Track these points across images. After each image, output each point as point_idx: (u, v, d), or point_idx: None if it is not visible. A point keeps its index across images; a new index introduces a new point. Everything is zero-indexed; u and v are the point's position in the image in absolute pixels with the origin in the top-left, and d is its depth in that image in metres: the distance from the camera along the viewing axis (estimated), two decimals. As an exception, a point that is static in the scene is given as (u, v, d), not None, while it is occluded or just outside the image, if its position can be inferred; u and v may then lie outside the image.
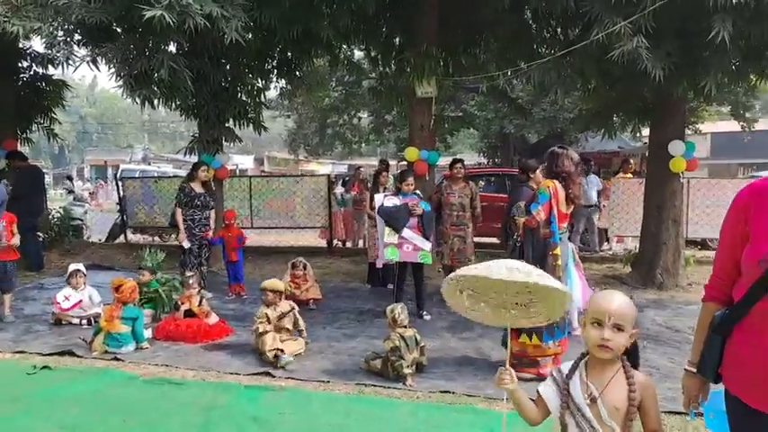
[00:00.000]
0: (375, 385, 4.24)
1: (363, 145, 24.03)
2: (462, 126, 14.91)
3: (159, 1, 5.56)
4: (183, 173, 14.96)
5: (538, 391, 1.90)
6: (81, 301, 5.93)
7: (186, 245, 6.93)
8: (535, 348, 4.32)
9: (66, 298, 5.91)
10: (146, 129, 54.16)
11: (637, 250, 8.38)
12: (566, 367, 1.88)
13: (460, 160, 7.31)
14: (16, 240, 5.82)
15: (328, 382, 4.33)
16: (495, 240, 8.30)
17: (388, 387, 4.19)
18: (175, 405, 3.93)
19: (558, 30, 7.85)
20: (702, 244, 10.57)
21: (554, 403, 1.84)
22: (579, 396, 1.78)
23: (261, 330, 4.79)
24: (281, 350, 4.68)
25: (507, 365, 1.93)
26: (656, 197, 7.74)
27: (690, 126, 18.97)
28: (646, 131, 9.48)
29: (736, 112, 15.19)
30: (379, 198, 6.14)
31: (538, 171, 6.00)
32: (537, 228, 4.30)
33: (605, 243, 10.74)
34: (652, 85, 6.18)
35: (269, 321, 4.85)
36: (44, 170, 17.76)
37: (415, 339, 4.43)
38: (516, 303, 2.04)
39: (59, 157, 49.03)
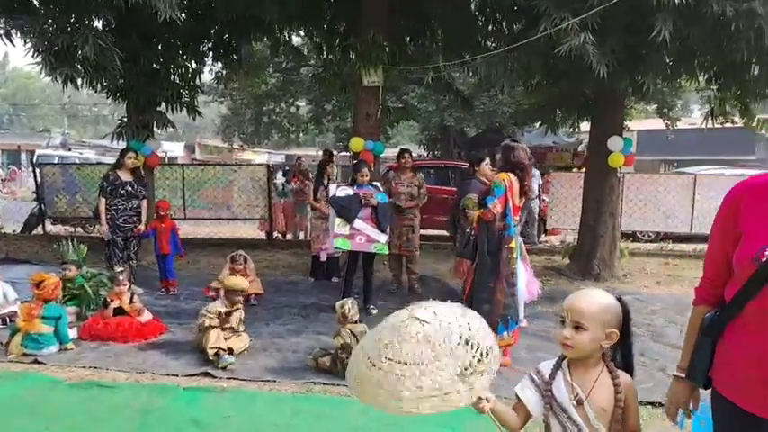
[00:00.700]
0: (324, 383, 4.08)
1: (302, 134, 23.51)
2: (404, 117, 14.84)
3: (85, -29, 5.08)
4: (109, 159, 14.09)
5: (516, 395, 1.80)
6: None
7: (107, 237, 6.44)
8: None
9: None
10: (65, 112, 50.74)
11: (575, 242, 8.60)
12: (545, 368, 1.79)
13: (408, 151, 7.22)
14: None
15: (274, 381, 4.12)
16: (442, 233, 8.29)
17: (338, 384, 4.02)
18: (106, 410, 3.61)
19: (504, 23, 7.88)
20: (633, 236, 11.05)
21: (536, 406, 1.75)
22: (565, 398, 1.70)
23: (207, 325, 4.49)
24: (223, 349, 4.40)
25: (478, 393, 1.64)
26: (595, 191, 7.96)
27: (624, 122, 19.91)
28: (583, 127, 9.75)
29: (661, 110, 15.98)
30: (332, 189, 5.96)
31: (483, 164, 6.05)
32: (493, 221, 4.25)
33: (543, 235, 11.01)
34: (595, 82, 6.30)
35: (219, 317, 4.56)
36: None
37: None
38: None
39: (-34, 140, 45.10)
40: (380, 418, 3.52)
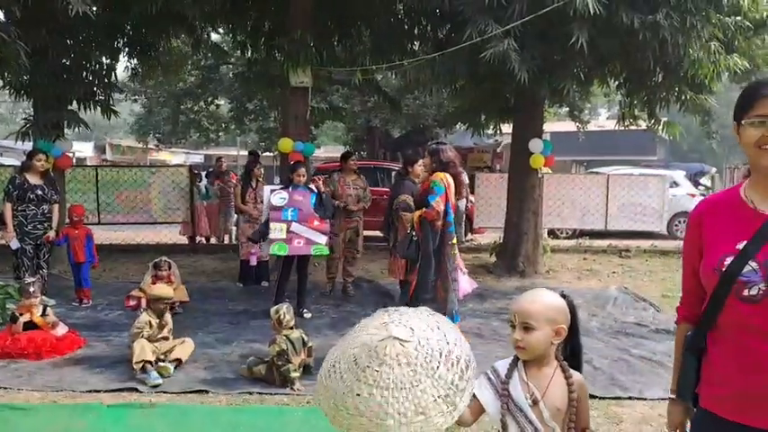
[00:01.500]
0: (261, 393, 3.97)
1: (222, 134, 22.80)
2: (330, 118, 14.75)
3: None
4: (8, 161, 13.03)
5: (476, 396, 1.77)
6: None
7: (14, 245, 5.96)
8: None
9: None
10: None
11: (500, 240, 8.91)
12: (501, 367, 1.81)
13: (353, 152, 7.21)
14: None
15: (207, 392, 3.96)
16: (373, 233, 8.30)
17: (275, 393, 3.95)
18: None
19: (429, 28, 8.02)
20: (552, 233, 11.58)
21: (492, 405, 1.76)
22: (521, 398, 1.72)
23: (136, 332, 4.25)
24: (150, 362, 4.17)
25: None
26: (518, 190, 8.29)
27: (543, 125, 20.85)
28: (505, 129, 10.11)
29: (572, 113, 16.89)
30: (266, 193, 5.82)
31: (417, 165, 6.13)
32: (436, 219, 4.31)
33: (469, 234, 11.31)
34: (516, 86, 6.55)
35: (150, 328, 4.33)
36: None
37: (303, 340, 4.22)
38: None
39: None
40: (322, 426, 3.46)
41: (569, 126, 19.28)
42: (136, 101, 19.82)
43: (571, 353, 1.83)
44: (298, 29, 7.11)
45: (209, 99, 18.49)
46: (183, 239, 10.01)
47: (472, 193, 10.66)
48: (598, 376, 4.33)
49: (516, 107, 8.29)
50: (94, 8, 6.39)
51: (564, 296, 1.81)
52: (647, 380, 4.33)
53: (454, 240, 4.59)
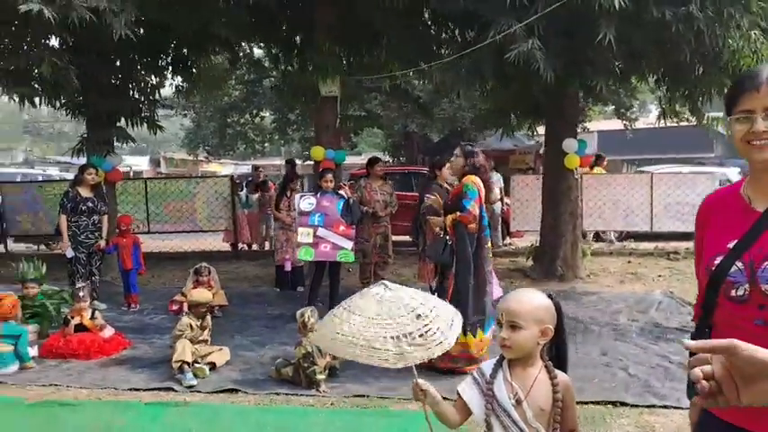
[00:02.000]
0: (287, 394, 4.11)
1: (267, 145, 23.47)
2: (367, 125, 14.99)
3: (37, -7, 5.06)
4: (72, 176, 13.83)
5: (458, 394, 1.84)
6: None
7: (69, 254, 6.40)
8: (481, 342, 4.39)
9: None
10: (27, 130, 49.48)
11: (537, 244, 8.81)
12: (487, 367, 1.83)
13: (379, 158, 7.34)
14: None
15: (237, 392, 4.15)
16: (405, 238, 8.39)
17: (301, 395, 4.08)
18: (67, 429, 3.59)
19: (456, 31, 8.06)
20: (597, 236, 11.26)
21: (477, 405, 1.79)
22: (504, 398, 1.74)
23: (177, 335, 4.51)
24: (188, 363, 4.41)
25: (416, 379, 1.80)
26: (553, 192, 8.17)
27: (578, 124, 20.39)
28: (541, 129, 9.97)
29: (618, 111, 16.46)
30: (296, 198, 6.03)
31: (444, 168, 6.17)
32: (472, 224, 4.32)
33: (507, 238, 11.21)
34: (544, 85, 6.50)
35: (191, 330, 4.58)
36: None
37: (326, 344, 4.35)
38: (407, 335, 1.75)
39: (-76, 160, 43.60)
40: (346, 427, 3.59)
41: (618, 124, 18.77)
42: (185, 116, 20.66)
43: (557, 354, 1.84)
44: (325, 41, 7.31)
45: (254, 112, 19.10)
46: (227, 246, 10.39)
47: (507, 195, 10.57)
48: (632, 383, 4.19)
49: (548, 106, 8.19)
50: (141, 30, 6.85)
51: (551, 297, 1.82)
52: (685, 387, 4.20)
53: (489, 244, 4.60)
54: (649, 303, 6.65)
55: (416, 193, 9.53)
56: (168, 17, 6.52)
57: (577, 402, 3.65)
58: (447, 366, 4.24)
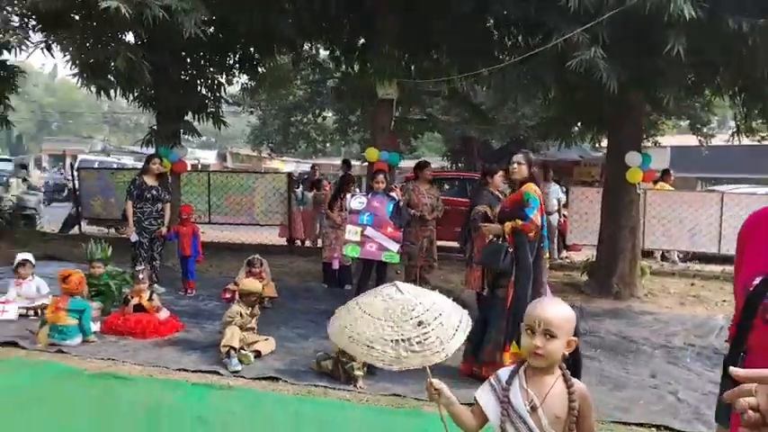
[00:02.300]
0: (326, 386, 4.20)
1: (328, 145, 23.92)
2: (426, 129, 15.02)
3: (117, -10, 5.42)
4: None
5: (476, 399, 1.86)
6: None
7: (133, 238, 6.78)
8: None
9: (3, 311, 5.61)
10: (106, 120, 52.65)
11: (593, 259, 8.56)
12: (504, 374, 1.84)
13: (428, 162, 7.36)
14: None
15: (278, 380, 4.28)
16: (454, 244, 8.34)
17: (339, 389, 4.16)
18: (120, 401, 3.86)
19: (520, 38, 7.95)
20: (662, 256, 10.80)
21: (493, 411, 1.80)
22: (520, 404, 1.75)
23: (227, 321, 4.71)
24: (235, 348, 4.57)
25: (430, 379, 1.84)
26: (613, 206, 7.91)
27: (649, 138, 19.67)
28: (605, 141, 9.67)
29: (693, 126, 15.72)
30: (348, 198, 6.16)
31: (497, 176, 6.12)
32: (534, 231, 4.29)
33: (563, 251, 10.93)
34: (609, 96, 6.32)
35: (241, 317, 4.78)
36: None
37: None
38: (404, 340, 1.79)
39: (17, 145, 47.21)
40: (379, 425, 3.64)
41: (693, 140, 17.90)
42: (252, 113, 21.37)
43: (573, 363, 1.83)
44: (385, 44, 7.40)
45: (317, 112, 19.51)
46: (282, 241, 10.69)
47: (565, 207, 10.32)
48: (682, 409, 4.02)
49: (611, 117, 7.94)
50: (210, 28, 7.18)
51: (572, 307, 1.84)
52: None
53: (547, 255, 4.60)
54: (710, 328, 6.32)
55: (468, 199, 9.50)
56: (236, 16, 6.79)
57: (619, 422, 3.62)
58: None
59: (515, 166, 4.51)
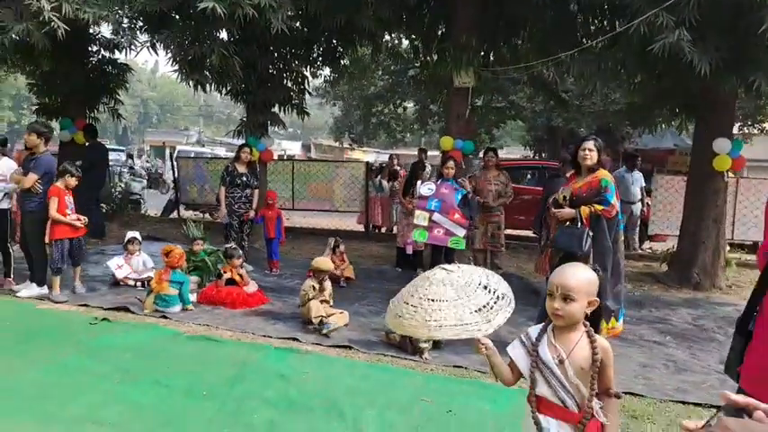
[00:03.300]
0: (393, 356, 4.51)
1: (408, 135, 24.17)
2: (508, 118, 14.84)
3: (212, -9, 5.95)
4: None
5: (507, 353, 2.08)
6: (131, 268, 6.49)
7: (225, 220, 7.41)
8: (610, 330, 4.58)
9: (119, 267, 6.45)
10: (201, 113, 56.03)
11: (674, 249, 8.27)
12: (533, 332, 2.05)
13: (493, 149, 7.47)
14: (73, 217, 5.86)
15: (351, 349, 4.64)
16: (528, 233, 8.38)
17: (405, 359, 4.46)
18: (213, 359, 4.33)
19: (605, 22, 7.77)
20: (752, 247, 10.20)
21: (523, 364, 2.02)
22: (548, 357, 1.95)
23: (307, 298, 5.16)
24: (325, 317, 5.04)
25: (478, 336, 2.09)
26: (697, 195, 7.62)
27: (755, 125, 18.32)
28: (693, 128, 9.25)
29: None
30: (418, 185, 6.42)
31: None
32: (613, 216, 4.49)
33: (646, 241, 10.57)
34: (698, 80, 6.08)
35: (313, 290, 5.21)
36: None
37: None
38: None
39: (123, 137, 51.58)
40: (439, 390, 3.89)
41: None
42: (335, 105, 22.03)
43: (592, 316, 1.99)
44: (463, 33, 7.52)
45: (398, 102, 19.82)
46: (360, 228, 11.13)
47: (648, 195, 9.98)
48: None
49: (701, 102, 7.60)
50: (297, 23, 7.62)
51: (595, 270, 2.02)
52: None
53: (623, 238, 4.75)
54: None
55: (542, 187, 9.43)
56: (319, 9, 7.16)
57: (676, 401, 3.65)
58: None
59: (586, 152, 4.60)
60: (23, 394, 3.59)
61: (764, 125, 17.49)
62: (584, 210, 4.53)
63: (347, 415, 3.44)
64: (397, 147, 26.37)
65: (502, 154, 23.39)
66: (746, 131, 19.66)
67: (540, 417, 1.97)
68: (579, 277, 1.95)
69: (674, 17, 5.60)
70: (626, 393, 3.97)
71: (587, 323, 1.98)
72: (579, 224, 4.58)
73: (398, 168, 11.22)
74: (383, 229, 11.35)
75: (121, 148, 28.31)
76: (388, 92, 18.55)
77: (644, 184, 10.04)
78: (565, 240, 4.64)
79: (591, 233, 4.51)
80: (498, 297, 2.08)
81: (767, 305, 1.65)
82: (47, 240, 5.92)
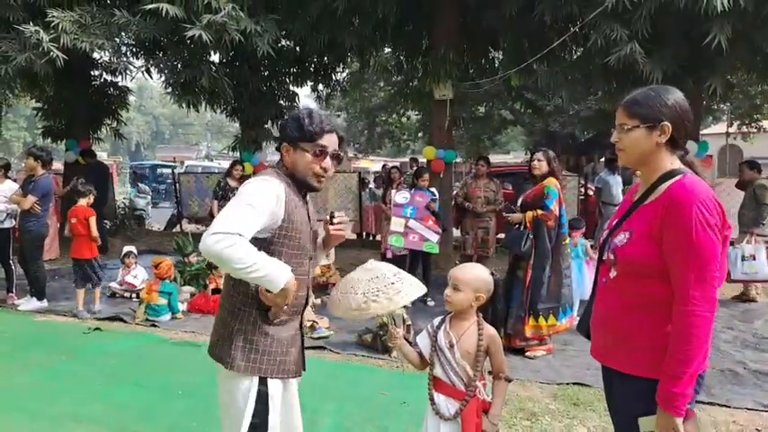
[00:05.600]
0: (364, 356, 4.86)
1: (413, 143, 24.55)
2: (508, 124, 15.15)
3: (200, 20, 6.36)
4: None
5: (416, 341, 2.40)
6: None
7: None
8: (550, 327, 4.86)
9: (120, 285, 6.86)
10: (209, 129, 56.99)
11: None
12: (436, 321, 2.37)
13: (484, 158, 7.76)
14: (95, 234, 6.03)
15: (325, 349, 4.97)
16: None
17: (375, 358, 4.80)
18: (192, 362, 4.69)
19: (576, 34, 8.03)
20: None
21: (426, 348, 2.34)
22: (442, 341, 2.28)
23: None
24: (317, 322, 5.41)
25: (391, 328, 2.38)
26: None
27: (753, 124, 18.42)
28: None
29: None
30: (393, 193, 6.75)
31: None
32: (552, 221, 4.81)
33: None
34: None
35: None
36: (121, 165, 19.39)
37: (403, 318, 4.98)
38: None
39: (136, 153, 52.66)
40: (402, 383, 4.20)
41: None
42: (338, 116, 22.48)
43: (492, 314, 2.32)
44: (441, 46, 7.86)
45: (401, 111, 20.19)
46: (353, 236, 11.49)
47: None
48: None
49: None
50: (285, 42, 8.02)
51: (492, 274, 2.34)
52: (744, 391, 4.17)
53: (566, 241, 5.02)
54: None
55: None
56: (305, 30, 7.54)
57: (728, 406, 3.85)
58: (519, 345, 4.86)
59: (535, 162, 4.99)
60: (15, 394, 3.99)
61: (761, 123, 17.56)
62: (528, 214, 4.93)
63: (306, 407, 3.74)
64: (405, 154, 26.76)
65: (508, 158, 23.56)
66: (746, 130, 19.76)
67: (435, 394, 2.29)
68: (469, 273, 2.28)
69: (628, 30, 5.91)
70: (575, 384, 4.29)
71: (480, 314, 2.30)
72: (523, 227, 4.97)
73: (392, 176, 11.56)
74: (378, 237, 11.68)
75: (169, 164, 28.74)
76: (391, 102, 18.93)
77: (623, 187, 10.22)
78: (510, 241, 5.12)
79: (531, 235, 4.89)
80: (391, 284, 2.26)
81: (600, 275, 2.00)
82: (89, 256, 6.03)
